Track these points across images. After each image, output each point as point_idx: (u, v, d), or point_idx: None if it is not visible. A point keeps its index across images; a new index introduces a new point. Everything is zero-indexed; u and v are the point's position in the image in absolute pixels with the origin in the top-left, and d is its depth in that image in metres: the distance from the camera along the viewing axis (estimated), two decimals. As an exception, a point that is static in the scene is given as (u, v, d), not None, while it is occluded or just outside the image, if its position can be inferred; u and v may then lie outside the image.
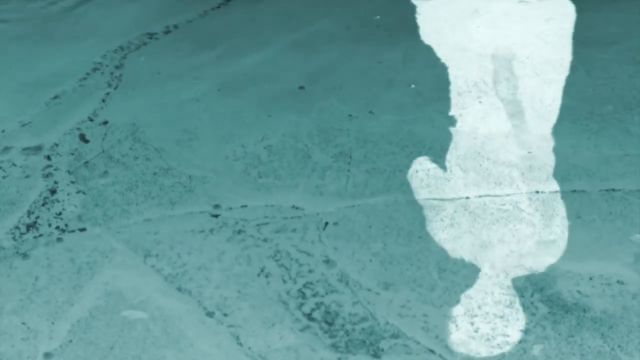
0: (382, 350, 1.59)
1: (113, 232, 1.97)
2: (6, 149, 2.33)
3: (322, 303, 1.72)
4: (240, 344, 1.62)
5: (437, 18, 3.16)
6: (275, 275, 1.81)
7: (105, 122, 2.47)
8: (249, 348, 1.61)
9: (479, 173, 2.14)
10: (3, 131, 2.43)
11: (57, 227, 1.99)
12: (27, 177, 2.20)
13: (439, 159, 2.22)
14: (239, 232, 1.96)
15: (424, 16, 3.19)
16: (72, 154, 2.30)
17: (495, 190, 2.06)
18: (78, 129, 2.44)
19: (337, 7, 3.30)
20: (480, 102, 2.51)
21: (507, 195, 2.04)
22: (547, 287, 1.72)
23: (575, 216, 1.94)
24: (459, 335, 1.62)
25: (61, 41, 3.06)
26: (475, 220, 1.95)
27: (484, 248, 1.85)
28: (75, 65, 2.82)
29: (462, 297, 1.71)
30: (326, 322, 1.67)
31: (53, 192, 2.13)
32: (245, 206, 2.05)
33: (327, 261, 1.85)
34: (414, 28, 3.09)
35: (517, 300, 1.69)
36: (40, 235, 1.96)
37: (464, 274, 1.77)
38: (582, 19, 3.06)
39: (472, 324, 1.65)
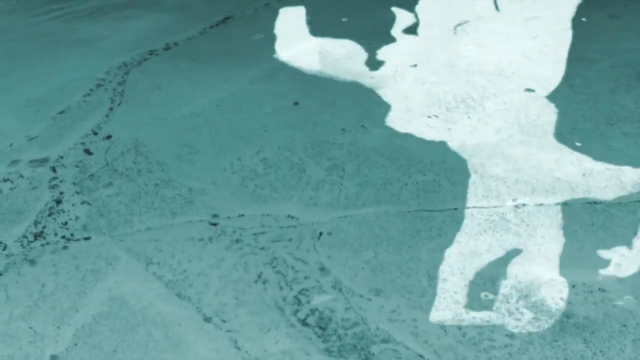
0: (373, 354, 1.64)
1: (116, 241, 2.02)
2: (14, 162, 2.39)
3: (316, 309, 1.77)
4: (238, 348, 1.67)
5: (427, 37, 3.26)
6: (272, 281, 1.87)
7: (109, 136, 2.54)
8: (247, 352, 1.66)
9: (466, 185, 2.21)
10: (11, 145, 2.49)
11: (63, 236, 2.04)
12: (33, 188, 2.26)
13: (428, 172, 2.28)
14: (237, 240, 2.02)
15: (415, 35, 3.29)
16: (77, 166, 2.36)
17: (482, 202, 2.12)
18: (82, 142, 2.50)
19: (330, 26, 3.40)
20: (468, 117, 2.59)
21: (494, 207, 2.10)
22: (532, 294, 1.78)
23: (558, 227, 2.00)
24: (447, 339, 1.67)
25: (66, 58, 3.13)
26: (463, 231, 2.00)
27: (472, 257, 1.91)
28: (79, 81, 2.89)
29: (451, 303, 1.77)
30: (320, 327, 1.72)
31: (59, 202, 2.19)
32: (243, 215, 2.12)
33: (322, 269, 1.91)
34: (404, 46, 3.18)
35: (503, 306, 1.75)
36: (47, 244, 2.01)
37: (452, 281, 1.83)
38: (565, 37, 3.15)
39: (459, 328, 1.70)
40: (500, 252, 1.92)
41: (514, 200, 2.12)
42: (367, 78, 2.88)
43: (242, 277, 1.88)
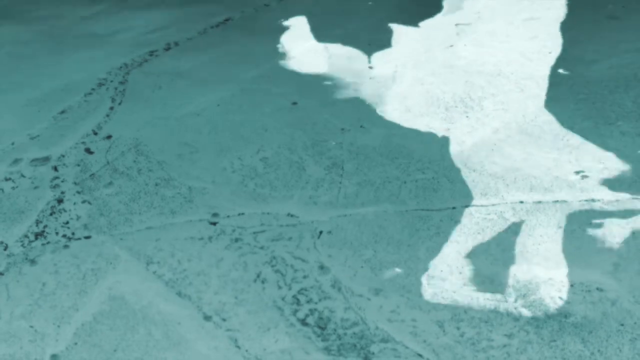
0: (373, 353, 1.65)
1: (117, 240, 2.03)
2: (16, 161, 2.41)
3: (315, 309, 1.78)
4: (237, 346, 1.68)
5: (426, 37, 3.27)
6: (271, 281, 1.87)
7: (110, 136, 2.56)
8: (246, 350, 1.66)
9: (465, 184, 2.22)
10: (13, 144, 2.51)
11: (64, 235, 2.06)
12: (35, 187, 2.27)
13: (427, 170, 2.29)
14: (237, 239, 2.02)
15: (414, 35, 3.31)
16: (78, 166, 2.38)
17: (481, 200, 2.13)
18: (83, 142, 2.52)
19: (330, 26, 3.41)
20: (467, 116, 2.60)
21: (493, 205, 2.11)
22: (530, 293, 1.78)
23: (556, 226, 2.00)
24: (446, 339, 1.67)
25: (68, 59, 3.15)
26: (462, 230, 2.01)
27: (470, 256, 1.91)
28: (81, 81, 2.91)
29: (449, 302, 1.77)
30: (319, 326, 1.73)
31: (60, 201, 2.20)
32: (243, 214, 2.13)
33: (322, 267, 1.92)
34: (404, 46, 3.19)
35: (501, 306, 1.75)
36: (48, 243, 2.02)
37: (451, 281, 1.83)
38: (564, 38, 3.17)
39: (458, 328, 1.70)
40: (498, 251, 1.93)
41: (512, 198, 2.12)
42: (367, 78, 2.89)
43: (241, 277, 1.89)
